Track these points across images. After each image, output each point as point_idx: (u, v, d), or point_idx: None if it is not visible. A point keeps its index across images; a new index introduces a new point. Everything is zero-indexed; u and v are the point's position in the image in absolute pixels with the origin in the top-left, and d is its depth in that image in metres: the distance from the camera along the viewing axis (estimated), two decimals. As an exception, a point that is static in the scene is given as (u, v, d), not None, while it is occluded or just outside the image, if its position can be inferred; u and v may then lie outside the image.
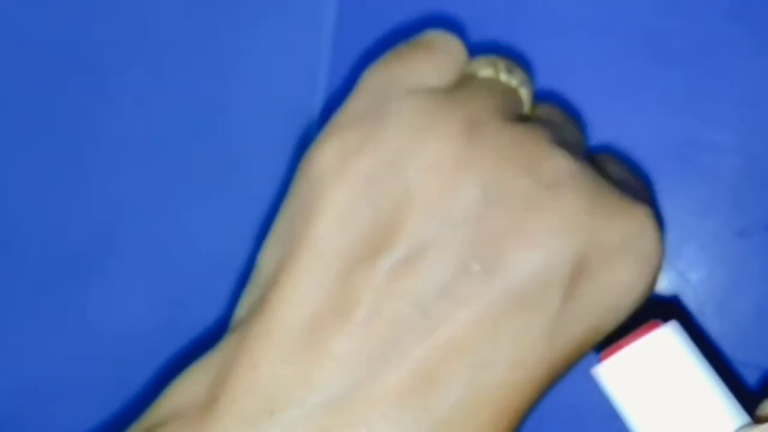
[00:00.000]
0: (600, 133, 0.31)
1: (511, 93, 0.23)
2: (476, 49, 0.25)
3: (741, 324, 0.29)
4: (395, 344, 0.19)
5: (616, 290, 0.20)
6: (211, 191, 0.31)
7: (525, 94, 0.24)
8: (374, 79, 0.22)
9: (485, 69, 0.23)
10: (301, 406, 0.18)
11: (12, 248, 0.27)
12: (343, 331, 0.19)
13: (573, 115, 0.28)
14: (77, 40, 0.27)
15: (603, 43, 0.31)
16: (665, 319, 0.21)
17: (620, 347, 0.20)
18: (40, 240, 0.28)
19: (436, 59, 0.22)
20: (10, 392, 0.28)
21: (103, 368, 0.30)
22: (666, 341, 0.20)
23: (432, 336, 0.19)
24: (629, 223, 0.21)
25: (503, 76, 0.23)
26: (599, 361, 0.20)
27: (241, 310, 0.21)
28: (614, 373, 0.20)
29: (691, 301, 0.29)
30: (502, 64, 0.24)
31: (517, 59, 0.32)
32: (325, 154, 0.21)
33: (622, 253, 0.20)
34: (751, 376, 0.29)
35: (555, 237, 0.19)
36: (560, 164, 0.21)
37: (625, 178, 0.25)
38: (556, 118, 0.24)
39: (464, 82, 0.23)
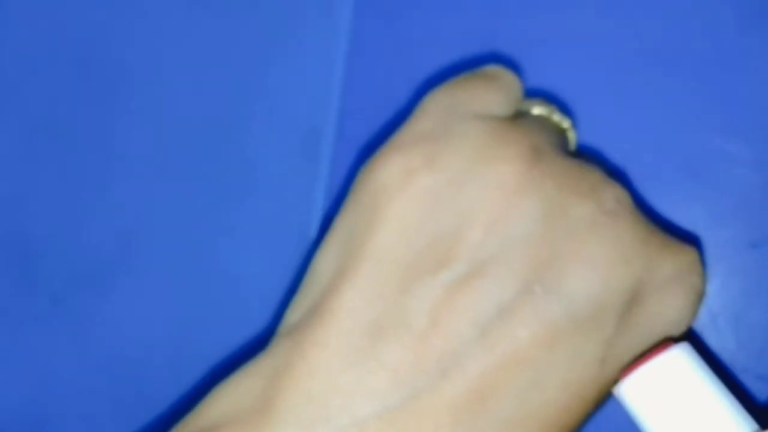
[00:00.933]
0: (612, 145, 0.31)
1: (561, 132, 0.24)
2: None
3: (755, 336, 0.29)
4: (452, 359, 0.19)
5: (666, 319, 0.21)
6: (226, 208, 0.31)
7: (572, 136, 0.25)
8: (438, 103, 0.23)
9: (539, 107, 0.24)
10: (356, 415, 0.19)
11: (30, 263, 0.28)
12: (401, 343, 0.19)
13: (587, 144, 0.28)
14: (100, 59, 0.27)
15: (614, 55, 0.31)
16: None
17: (636, 367, 0.20)
18: (58, 256, 0.28)
19: (498, 90, 0.23)
20: (26, 406, 0.28)
21: (118, 382, 0.30)
22: (676, 361, 0.20)
23: (488, 353, 0.19)
24: (681, 258, 0.22)
25: (556, 116, 0.24)
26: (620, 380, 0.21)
27: (293, 314, 0.21)
28: (632, 392, 0.20)
29: (704, 313, 0.29)
30: (553, 105, 0.25)
31: (526, 74, 0.32)
32: (390, 168, 0.21)
33: (673, 285, 0.21)
34: (766, 389, 0.29)
35: (614, 263, 0.20)
36: (620, 194, 0.21)
37: None
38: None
39: (520, 116, 0.24)
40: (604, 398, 0.21)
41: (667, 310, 0.21)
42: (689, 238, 0.30)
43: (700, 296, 0.22)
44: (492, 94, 0.23)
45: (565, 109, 0.31)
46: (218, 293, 0.31)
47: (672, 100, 0.31)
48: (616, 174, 0.30)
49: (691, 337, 0.30)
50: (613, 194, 0.21)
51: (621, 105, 0.31)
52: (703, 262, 0.23)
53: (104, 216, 0.29)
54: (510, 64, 0.32)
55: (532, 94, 0.31)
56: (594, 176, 0.22)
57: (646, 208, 0.30)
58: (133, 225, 0.30)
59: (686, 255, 0.22)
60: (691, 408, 0.20)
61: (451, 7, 0.33)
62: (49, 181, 0.27)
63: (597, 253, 0.20)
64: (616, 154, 0.31)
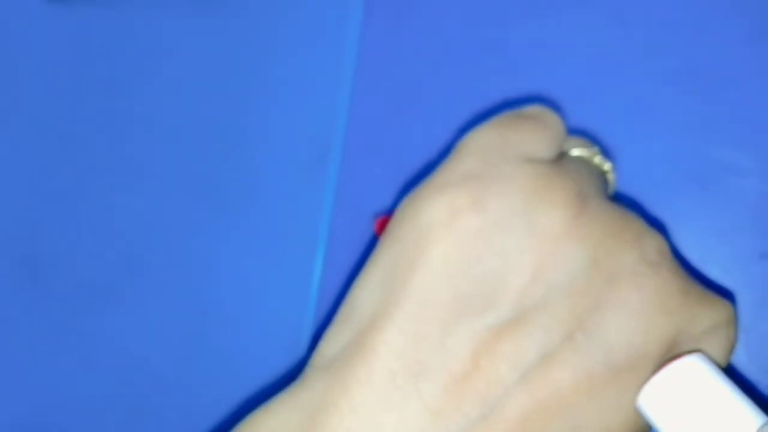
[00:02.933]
0: (620, 158, 0.31)
1: (602, 174, 0.24)
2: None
3: (765, 348, 0.29)
4: (491, 402, 0.19)
5: None
6: (233, 221, 0.31)
7: (612, 179, 0.25)
8: (483, 142, 0.23)
9: (581, 149, 0.24)
10: None
11: (38, 275, 0.27)
12: (443, 384, 0.19)
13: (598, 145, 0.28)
14: (105, 70, 0.27)
15: (621, 67, 0.31)
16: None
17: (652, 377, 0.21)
18: (66, 268, 0.28)
19: (543, 132, 0.23)
20: (32, 416, 0.28)
21: (126, 396, 0.29)
22: (690, 366, 0.21)
23: (528, 397, 0.19)
24: (719, 311, 0.22)
25: (597, 159, 0.24)
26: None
27: (330, 346, 0.21)
28: (651, 399, 0.21)
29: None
30: (595, 147, 0.25)
31: (533, 80, 0.32)
32: (435, 206, 0.21)
33: (710, 337, 0.22)
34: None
35: (655, 314, 0.20)
36: (662, 244, 0.22)
37: None
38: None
39: (562, 157, 0.24)
40: None
41: None
42: (699, 251, 0.30)
43: (733, 347, 0.23)
44: (538, 136, 0.23)
45: (568, 118, 0.31)
46: (225, 306, 0.31)
47: (680, 112, 0.31)
48: (655, 222, 0.30)
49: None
50: (656, 244, 0.21)
51: (629, 117, 0.31)
52: (738, 315, 0.23)
53: (112, 229, 0.29)
54: (517, 69, 0.32)
55: (534, 99, 0.31)
56: (637, 225, 0.22)
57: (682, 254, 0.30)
58: (140, 238, 0.30)
59: (723, 308, 0.22)
60: (705, 408, 0.20)
61: (461, 18, 0.32)
62: (57, 193, 0.27)
63: (638, 303, 0.20)
64: (622, 168, 0.31)
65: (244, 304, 0.31)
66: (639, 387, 0.20)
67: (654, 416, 0.21)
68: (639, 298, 0.20)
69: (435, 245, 0.20)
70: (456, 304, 0.20)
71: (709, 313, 0.22)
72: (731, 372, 0.30)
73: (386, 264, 0.21)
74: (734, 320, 0.22)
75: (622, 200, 0.27)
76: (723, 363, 0.22)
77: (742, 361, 0.30)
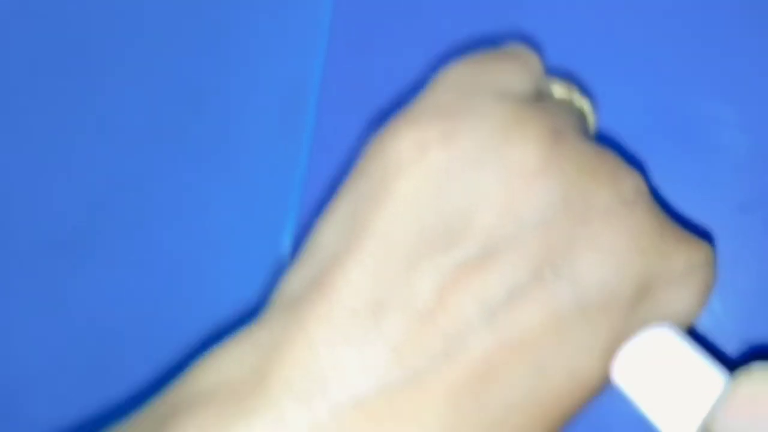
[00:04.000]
0: (601, 108, 0.30)
1: (581, 115, 0.24)
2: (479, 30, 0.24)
3: (742, 301, 0.29)
4: (456, 340, 0.19)
5: (674, 312, 0.21)
6: (204, 170, 0.30)
7: (592, 120, 0.24)
8: (457, 76, 0.22)
9: (560, 89, 0.24)
10: (355, 392, 0.18)
11: (1, 234, 0.26)
12: (406, 321, 0.19)
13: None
14: (75, 20, 0.26)
15: (604, 19, 0.30)
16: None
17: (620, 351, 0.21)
18: (28, 224, 0.27)
19: (519, 69, 0.23)
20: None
21: (90, 353, 0.29)
22: (657, 334, 0.21)
23: (494, 336, 0.19)
24: (695, 252, 0.21)
25: (577, 99, 0.24)
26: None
27: (291, 284, 0.21)
28: (622, 369, 0.20)
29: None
30: (575, 87, 0.24)
31: (519, 40, 0.31)
32: (403, 140, 0.20)
33: (685, 279, 0.21)
34: (750, 353, 0.29)
35: (629, 253, 0.20)
36: (639, 184, 0.21)
37: None
38: None
39: (541, 97, 0.23)
40: (605, 388, 0.21)
41: (677, 303, 0.21)
42: (678, 204, 0.30)
43: (710, 290, 0.22)
44: (513, 72, 0.22)
45: (551, 66, 0.31)
46: (196, 260, 0.30)
47: (664, 63, 0.30)
48: (634, 162, 0.29)
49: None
50: (632, 183, 0.21)
51: (612, 67, 0.31)
52: (716, 258, 0.23)
53: (76, 184, 0.28)
54: (499, 8, 0.31)
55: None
56: (614, 163, 0.21)
57: (661, 200, 0.30)
58: (107, 191, 0.29)
59: (700, 250, 0.22)
60: (673, 375, 0.20)
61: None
62: (18, 146, 0.26)
63: (611, 241, 0.20)
64: (603, 119, 0.30)
65: (215, 257, 0.30)
66: (609, 329, 0.20)
67: (625, 386, 0.20)
68: (612, 236, 0.20)
69: (401, 180, 0.20)
70: (422, 241, 0.19)
71: (686, 254, 0.21)
72: (706, 325, 0.30)
73: (351, 201, 0.21)
74: (711, 262, 0.22)
75: (601, 142, 0.27)
76: (699, 306, 0.21)
77: (718, 313, 0.29)
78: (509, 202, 0.20)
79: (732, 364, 0.25)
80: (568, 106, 0.23)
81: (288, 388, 0.18)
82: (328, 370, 0.18)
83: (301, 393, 0.18)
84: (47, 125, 0.27)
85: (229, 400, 0.18)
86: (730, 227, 0.30)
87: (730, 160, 0.30)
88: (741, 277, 0.29)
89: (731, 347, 0.29)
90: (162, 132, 0.29)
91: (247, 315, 0.25)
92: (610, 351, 0.20)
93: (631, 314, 0.20)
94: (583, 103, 0.24)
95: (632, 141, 0.30)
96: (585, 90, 0.30)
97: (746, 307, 0.29)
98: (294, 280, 0.21)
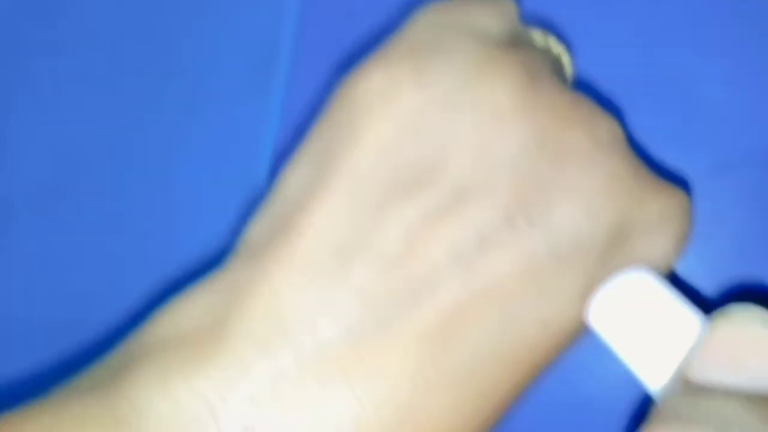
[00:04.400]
0: (579, 62, 0.29)
1: (557, 62, 0.23)
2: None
3: (721, 259, 0.29)
4: (425, 286, 0.18)
5: (650, 259, 0.21)
6: (174, 130, 0.29)
7: (568, 67, 0.24)
8: (431, 18, 0.21)
9: (536, 34, 0.24)
10: (318, 338, 0.18)
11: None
12: (372, 265, 0.18)
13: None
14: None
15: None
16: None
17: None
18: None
19: (494, 11, 0.22)
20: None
21: (57, 311, 0.28)
22: (634, 278, 0.20)
23: (464, 283, 0.18)
24: (670, 199, 0.21)
25: (553, 45, 0.23)
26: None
27: (255, 231, 0.20)
28: (597, 312, 0.20)
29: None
30: (552, 35, 0.24)
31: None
32: (373, 80, 0.20)
33: (660, 225, 0.21)
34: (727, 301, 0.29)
35: (603, 198, 0.19)
36: (615, 129, 0.21)
37: None
38: None
39: (517, 43, 0.22)
40: (578, 338, 0.20)
41: (651, 250, 0.21)
42: (657, 160, 0.29)
43: (686, 239, 0.22)
44: (488, 15, 0.22)
45: (530, 20, 0.30)
46: (165, 218, 0.29)
47: (641, 16, 0.30)
48: (612, 109, 0.29)
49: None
50: (608, 128, 0.20)
51: (587, 19, 0.30)
52: (692, 206, 0.22)
53: (43, 136, 0.27)
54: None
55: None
56: (590, 107, 0.21)
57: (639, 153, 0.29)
58: (75, 153, 0.28)
59: (676, 197, 0.21)
60: (645, 317, 0.20)
61: None
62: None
63: (585, 186, 0.19)
64: (582, 74, 0.30)
65: (186, 221, 0.29)
66: (583, 276, 0.19)
67: (600, 330, 0.20)
68: (586, 181, 0.19)
69: (370, 121, 0.19)
70: (391, 185, 0.19)
71: (661, 201, 0.21)
72: (685, 285, 0.29)
73: (318, 144, 0.20)
74: (687, 210, 0.21)
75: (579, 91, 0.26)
76: (674, 255, 0.21)
77: (696, 273, 0.29)
78: (481, 146, 0.19)
79: (707, 310, 0.25)
80: (544, 53, 0.23)
81: (249, 334, 0.18)
82: (292, 317, 0.18)
83: (262, 340, 0.18)
84: (15, 91, 0.26)
85: (189, 348, 0.18)
86: (710, 185, 0.29)
87: (710, 117, 0.29)
88: (721, 236, 0.29)
89: (706, 298, 0.29)
90: (130, 87, 0.28)
91: (217, 262, 0.25)
92: (583, 299, 0.19)
93: (605, 261, 0.19)
94: (560, 50, 0.23)
95: (610, 95, 0.29)
96: (563, 40, 0.29)
97: (726, 267, 0.29)
98: (258, 227, 0.20)
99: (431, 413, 0.18)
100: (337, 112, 0.20)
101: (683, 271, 0.29)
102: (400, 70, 0.20)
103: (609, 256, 0.19)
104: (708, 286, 0.29)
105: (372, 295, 0.18)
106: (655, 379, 0.19)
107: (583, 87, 0.29)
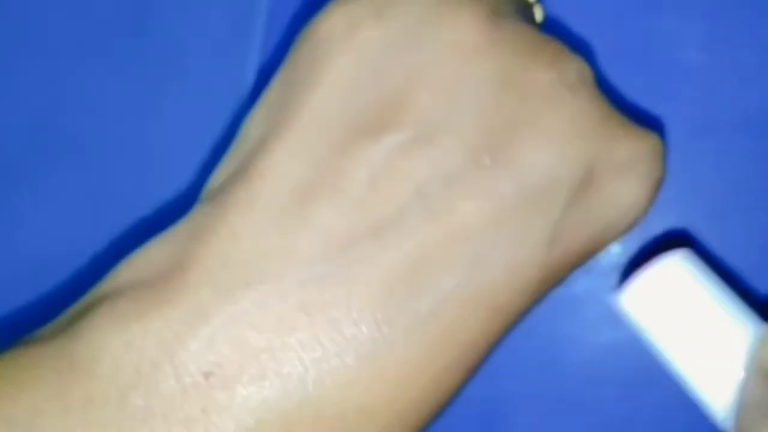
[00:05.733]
0: (559, 26, 0.29)
1: (526, 4, 0.23)
2: None
3: (701, 225, 0.29)
4: (389, 228, 0.18)
5: (619, 204, 0.20)
6: (148, 91, 0.29)
7: (538, 10, 0.23)
8: None
9: None
10: (279, 281, 0.17)
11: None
12: (335, 206, 0.18)
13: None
14: None
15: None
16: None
17: (634, 277, 0.19)
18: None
19: None
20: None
21: (36, 277, 0.28)
22: (674, 266, 0.20)
23: (429, 224, 0.18)
24: (642, 142, 0.20)
25: None
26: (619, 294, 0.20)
27: (217, 178, 0.20)
28: (632, 302, 0.19)
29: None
30: None
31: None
32: (334, 19, 0.19)
33: (630, 168, 0.20)
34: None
35: (571, 137, 0.19)
36: (583, 69, 0.20)
37: None
38: None
39: None
40: (550, 286, 0.20)
41: (621, 194, 0.20)
42: (637, 123, 0.29)
43: (658, 184, 0.21)
44: None
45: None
46: (143, 183, 0.29)
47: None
48: (583, 52, 0.28)
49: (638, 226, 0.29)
50: (576, 67, 0.20)
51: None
52: (665, 150, 0.22)
53: (18, 107, 0.27)
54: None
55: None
56: (558, 47, 0.20)
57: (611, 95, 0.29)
58: (50, 116, 0.28)
59: (647, 139, 0.21)
60: (693, 312, 0.19)
61: None
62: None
63: (553, 125, 0.19)
64: (561, 28, 0.29)
65: (163, 176, 0.29)
66: (551, 219, 0.19)
67: (636, 318, 0.19)
68: (553, 119, 0.19)
69: (330, 61, 0.19)
70: (352, 124, 0.18)
71: (631, 142, 0.20)
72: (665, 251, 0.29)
73: (280, 89, 0.20)
74: (660, 153, 0.21)
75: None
76: (646, 200, 0.20)
77: (676, 239, 0.29)
78: (444, 83, 0.18)
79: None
80: None
81: (208, 278, 0.17)
82: (250, 259, 0.17)
83: (222, 283, 0.17)
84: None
85: (146, 292, 0.17)
86: (690, 150, 0.29)
87: (691, 81, 0.29)
88: (701, 200, 0.29)
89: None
90: (105, 44, 0.28)
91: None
92: (551, 243, 0.19)
93: (574, 204, 0.19)
94: None
95: (589, 57, 0.29)
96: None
97: (706, 233, 0.29)
98: (220, 174, 0.20)
99: (395, 357, 0.17)
100: (297, 56, 0.20)
101: (658, 236, 0.29)
102: (359, 11, 0.19)
103: (578, 197, 0.19)
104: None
105: (334, 237, 0.17)
106: (717, 393, 0.18)
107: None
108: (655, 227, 0.29)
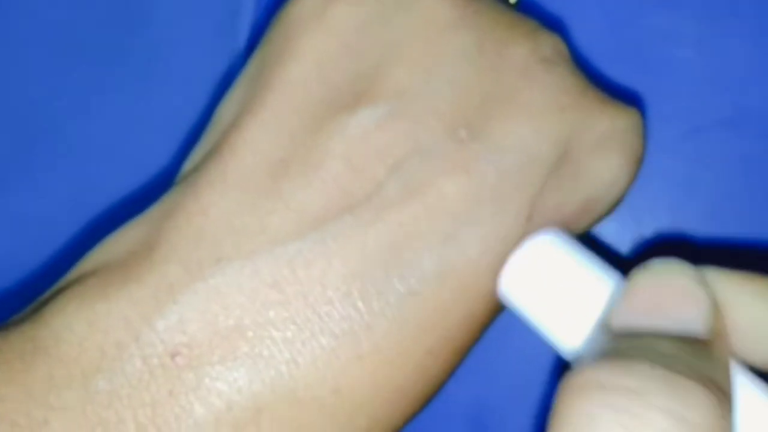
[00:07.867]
0: (553, 22, 0.29)
1: None
2: None
3: (693, 222, 0.28)
4: (366, 204, 0.17)
5: (598, 179, 0.20)
6: (134, 83, 0.28)
7: None
8: None
9: None
10: (251, 258, 0.17)
11: None
12: (310, 184, 0.17)
13: None
14: None
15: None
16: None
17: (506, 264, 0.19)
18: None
19: None
20: None
21: (28, 263, 0.27)
22: (545, 242, 0.18)
23: (406, 200, 0.17)
24: (621, 116, 0.20)
25: None
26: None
27: (191, 160, 0.19)
28: (510, 284, 0.18)
29: (640, 201, 0.28)
30: None
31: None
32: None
33: (609, 143, 0.20)
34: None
35: (548, 111, 0.18)
36: (558, 43, 0.20)
37: None
38: None
39: None
40: None
41: (600, 169, 0.20)
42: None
43: (638, 159, 0.21)
44: None
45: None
46: (130, 175, 0.28)
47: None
48: (559, 29, 0.28)
49: (628, 224, 0.28)
50: (551, 43, 0.20)
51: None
52: (644, 125, 0.21)
53: (5, 101, 0.27)
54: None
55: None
56: (533, 24, 0.20)
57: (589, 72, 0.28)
58: (37, 109, 0.27)
59: (626, 113, 0.20)
60: (557, 281, 0.18)
61: None
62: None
63: (529, 99, 0.18)
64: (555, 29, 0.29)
65: (147, 172, 0.28)
66: (528, 194, 0.18)
67: (514, 300, 0.18)
68: (530, 93, 0.18)
69: (304, 36, 0.18)
70: (327, 99, 0.18)
71: (609, 116, 0.20)
72: (657, 251, 0.28)
73: (255, 67, 0.19)
74: (638, 127, 0.20)
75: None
76: (626, 177, 0.20)
77: (668, 236, 0.28)
78: (419, 58, 0.18)
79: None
80: None
81: (178, 256, 0.17)
82: (222, 236, 0.17)
83: (193, 262, 0.17)
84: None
85: (114, 271, 0.17)
86: (682, 148, 0.28)
87: (684, 78, 0.28)
88: (693, 200, 0.28)
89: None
90: (87, 38, 0.28)
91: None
92: (529, 219, 0.18)
93: (551, 179, 0.18)
94: None
95: (581, 53, 0.28)
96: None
97: (698, 230, 0.28)
98: (196, 155, 0.19)
99: (374, 339, 0.17)
100: (272, 36, 0.19)
101: (650, 235, 0.28)
102: None
103: (557, 173, 0.19)
104: (678, 248, 0.28)
105: (309, 213, 0.17)
106: (570, 339, 0.18)
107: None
108: (648, 227, 0.28)
